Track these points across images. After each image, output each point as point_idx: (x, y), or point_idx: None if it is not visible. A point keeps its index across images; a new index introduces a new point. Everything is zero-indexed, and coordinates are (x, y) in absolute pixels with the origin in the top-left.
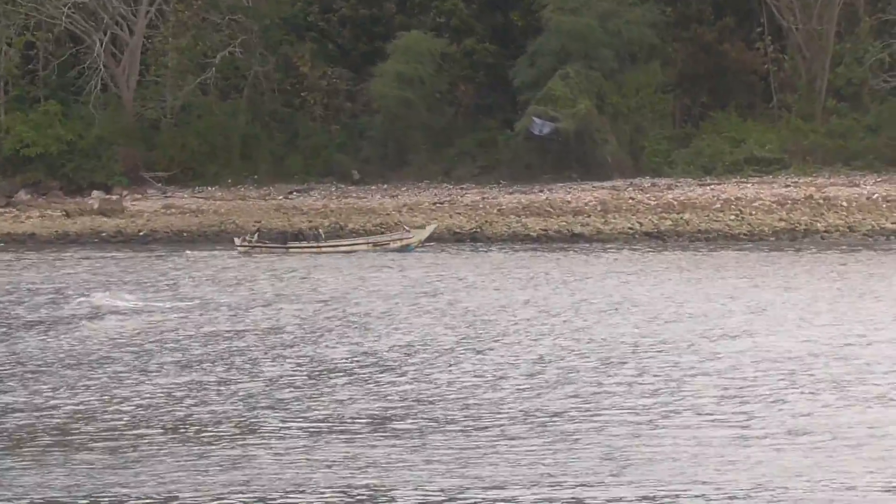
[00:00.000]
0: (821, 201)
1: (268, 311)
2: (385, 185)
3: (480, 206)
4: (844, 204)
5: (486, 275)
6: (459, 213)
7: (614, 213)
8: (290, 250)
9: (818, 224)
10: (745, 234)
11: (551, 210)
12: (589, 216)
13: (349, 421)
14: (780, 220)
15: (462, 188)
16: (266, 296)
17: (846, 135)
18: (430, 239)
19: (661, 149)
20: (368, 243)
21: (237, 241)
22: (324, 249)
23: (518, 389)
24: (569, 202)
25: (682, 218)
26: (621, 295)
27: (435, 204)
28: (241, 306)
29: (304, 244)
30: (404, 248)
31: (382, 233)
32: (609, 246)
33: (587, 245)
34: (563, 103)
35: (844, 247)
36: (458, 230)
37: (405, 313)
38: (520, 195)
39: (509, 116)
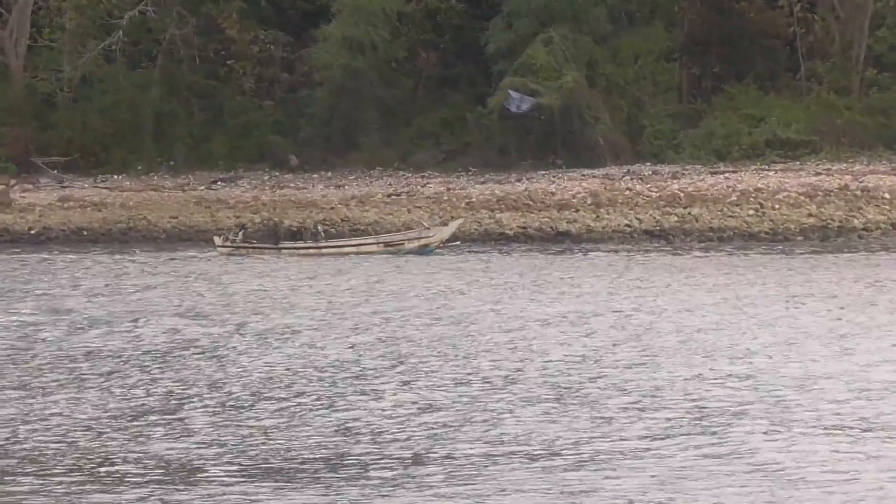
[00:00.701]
0: (858, 193)
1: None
2: (329, 174)
3: (445, 198)
4: (887, 196)
5: (444, 284)
6: (419, 208)
7: (608, 208)
8: (283, 251)
9: (855, 220)
10: (766, 233)
11: (531, 203)
12: (577, 211)
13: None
14: (810, 215)
15: (423, 177)
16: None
17: (889, 112)
18: (452, 238)
19: (664, 129)
20: (379, 243)
21: (217, 240)
22: (324, 251)
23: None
24: (553, 194)
25: (689, 213)
26: (614, 315)
27: (390, 196)
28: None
29: (300, 244)
30: (422, 250)
31: (398, 230)
32: (601, 247)
33: (575, 245)
34: (546, 74)
35: (889, 248)
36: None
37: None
38: (493, 185)
39: (481, 90)
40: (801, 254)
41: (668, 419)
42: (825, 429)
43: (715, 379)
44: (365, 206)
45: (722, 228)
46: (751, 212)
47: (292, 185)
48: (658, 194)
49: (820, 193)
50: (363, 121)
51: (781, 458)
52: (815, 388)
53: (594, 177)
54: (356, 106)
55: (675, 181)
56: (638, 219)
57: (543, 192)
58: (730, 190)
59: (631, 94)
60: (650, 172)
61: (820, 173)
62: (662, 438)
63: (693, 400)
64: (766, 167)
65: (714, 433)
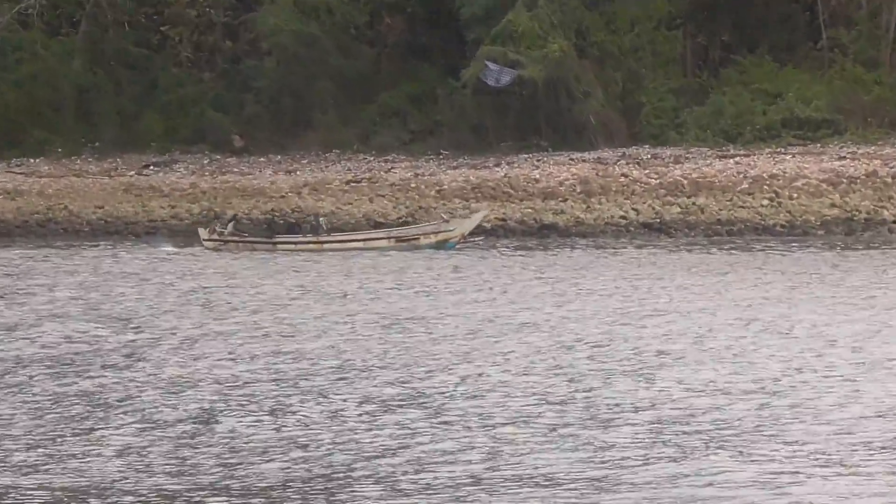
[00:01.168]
0: (889, 180)
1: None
2: (279, 157)
3: (413, 185)
4: None
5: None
6: (383, 196)
7: (600, 197)
8: (279, 246)
9: (885, 212)
10: (782, 226)
11: (512, 192)
12: (565, 200)
13: None
14: (832, 205)
15: (387, 160)
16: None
17: None
18: (474, 232)
19: (665, 107)
20: (390, 238)
21: (202, 232)
22: (326, 246)
23: None
24: (536, 181)
25: (694, 203)
26: (605, 322)
27: (349, 183)
28: None
29: (299, 238)
30: (441, 245)
31: (412, 222)
32: (592, 241)
33: (562, 240)
34: (529, 42)
35: None
36: (380, 220)
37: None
38: (468, 170)
39: (454, 61)
40: (823, 250)
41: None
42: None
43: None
44: (320, 195)
45: (731, 221)
46: (765, 202)
47: (236, 169)
48: (658, 181)
49: (844, 181)
50: (317, 96)
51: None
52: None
53: (584, 161)
54: (309, 79)
55: (677, 166)
56: (635, 210)
57: (525, 178)
58: (740, 176)
59: (627, 67)
60: (649, 156)
61: (844, 157)
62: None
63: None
64: (783, 150)
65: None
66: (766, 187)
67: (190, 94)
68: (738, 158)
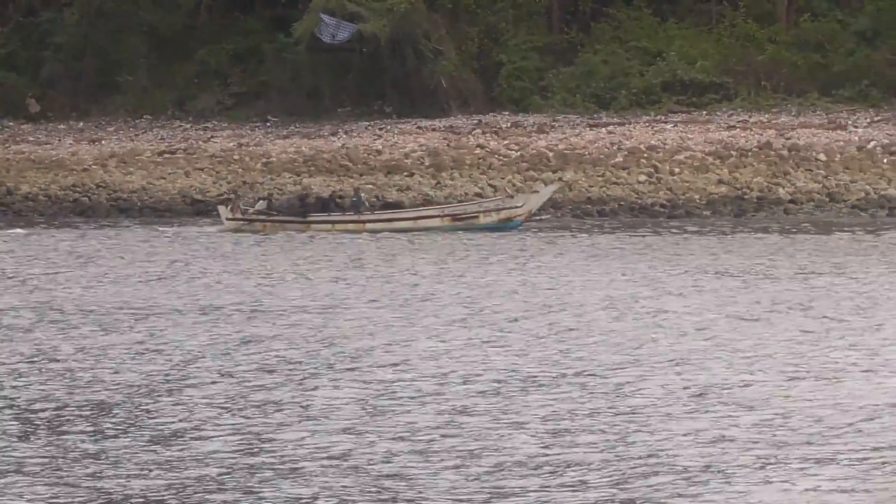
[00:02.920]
0: (785, 153)
1: None
2: (80, 124)
3: (236, 157)
4: (822, 157)
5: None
6: (201, 170)
7: (452, 171)
8: (313, 226)
9: (780, 189)
10: (662, 206)
11: (350, 165)
12: (411, 175)
13: None
14: (720, 182)
15: (206, 128)
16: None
17: (825, 47)
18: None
19: (527, 67)
20: (444, 216)
21: (223, 210)
22: (368, 226)
23: None
24: (379, 152)
25: (561, 179)
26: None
27: (162, 154)
28: None
29: (336, 217)
30: (504, 224)
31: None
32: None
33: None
34: None
35: (823, 226)
36: (198, 197)
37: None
38: (300, 140)
39: (283, 13)
40: (709, 233)
41: None
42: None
43: None
44: (129, 168)
45: (604, 199)
46: (642, 177)
47: (31, 138)
48: (519, 153)
49: (734, 153)
50: (126, 54)
51: None
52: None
53: (434, 130)
54: (116, 34)
55: (541, 136)
56: (492, 186)
57: (366, 149)
58: (614, 148)
59: (484, 21)
60: (509, 124)
61: (734, 127)
62: None
63: None
64: (663, 118)
65: None
66: (643, 161)
67: None
68: (611, 127)
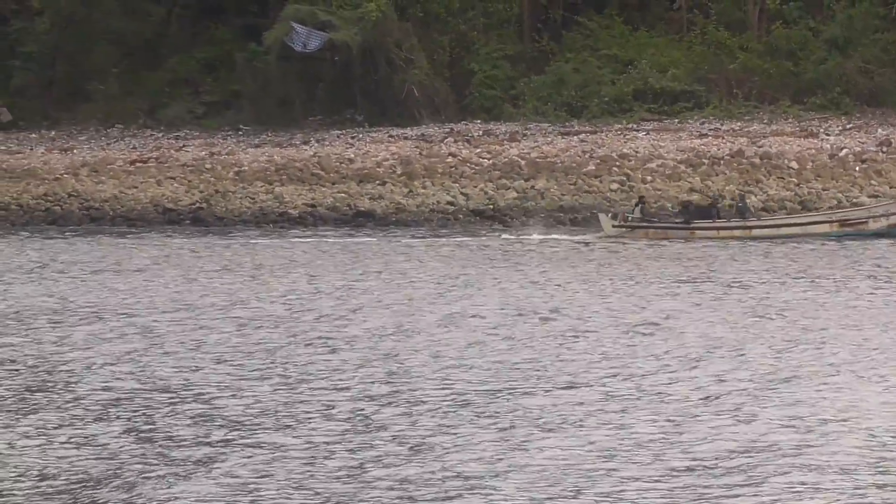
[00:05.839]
0: (757, 160)
1: None
2: (52, 132)
3: (208, 165)
4: (794, 165)
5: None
6: (173, 179)
7: (424, 179)
8: (697, 233)
9: (752, 197)
10: None
11: (322, 174)
12: (383, 184)
13: None
14: (692, 190)
15: (178, 137)
16: None
17: (796, 54)
18: None
19: (499, 76)
20: (832, 221)
21: (604, 219)
22: (755, 232)
23: None
24: (351, 161)
25: (533, 187)
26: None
27: (133, 163)
28: None
29: (722, 223)
30: (893, 229)
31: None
32: (414, 231)
33: (380, 230)
34: (342, 1)
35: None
36: (170, 206)
37: None
38: (271, 149)
39: (254, 21)
40: (679, 244)
41: None
42: None
43: None
44: (100, 177)
45: (576, 208)
46: (614, 185)
47: (2, 147)
48: (491, 162)
49: (705, 161)
50: (97, 63)
51: None
52: None
53: (406, 138)
54: (87, 42)
55: (513, 144)
56: (464, 194)
57: (338, 158)
58: (586, 156)
59: (455, 29)
60: (480, 133)
61: (706, 135)
62: None
63: None
64: (635, 126)
65: None
66: (615, 169)
67: None
68: (583, 135)
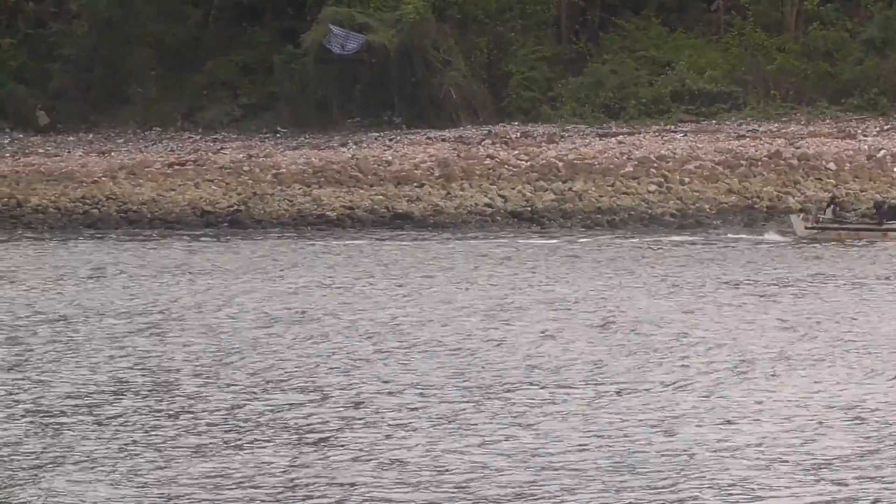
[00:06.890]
0: (794, 162)
1: None
2: (90, 135)
3: (246, 168)
4: (832, 166)
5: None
6: (211, 181)
7: (462, 181)
8: (890, 234)
9: (791, 198)
10: (672, 216)
11: (360, 176)
12: (421, 186)
13: None
14: (730, 191)
15: (216, 139)
16: None
17: (834, 55)
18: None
19: (536, 77)
20: None
21: (795, 220)
22: None
23: None
24: (389, 163)
25: (570, 189)
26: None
27: (171, 166)
28: None
29: None
30: None
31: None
32: (451, 234)
33: (417, 231)
34: (379, 3)
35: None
36: (208, 208)
37: None
38: (309, 151)
39: (291, 24)
40: (720, 244)
41: None
42: None
43: None
44: (138, 179)
45: (613, 209)
46: (652, 187)
47: (41, 150)
48: (529, 164)
49: (743, 163)
50: (135, 66)
51: None
52: None
53: (443, 140)
54: (125, 46)
55: (551, 146)
56: (502, 196)
57: (376, 160)
58: (624, 158)
59: (493, 31)
60: (518, 135)
61: (743, 136)
62: None
63: None
64: (672, 128)
65: None
66: (653, 170)
67: None
68: (620, 137)
